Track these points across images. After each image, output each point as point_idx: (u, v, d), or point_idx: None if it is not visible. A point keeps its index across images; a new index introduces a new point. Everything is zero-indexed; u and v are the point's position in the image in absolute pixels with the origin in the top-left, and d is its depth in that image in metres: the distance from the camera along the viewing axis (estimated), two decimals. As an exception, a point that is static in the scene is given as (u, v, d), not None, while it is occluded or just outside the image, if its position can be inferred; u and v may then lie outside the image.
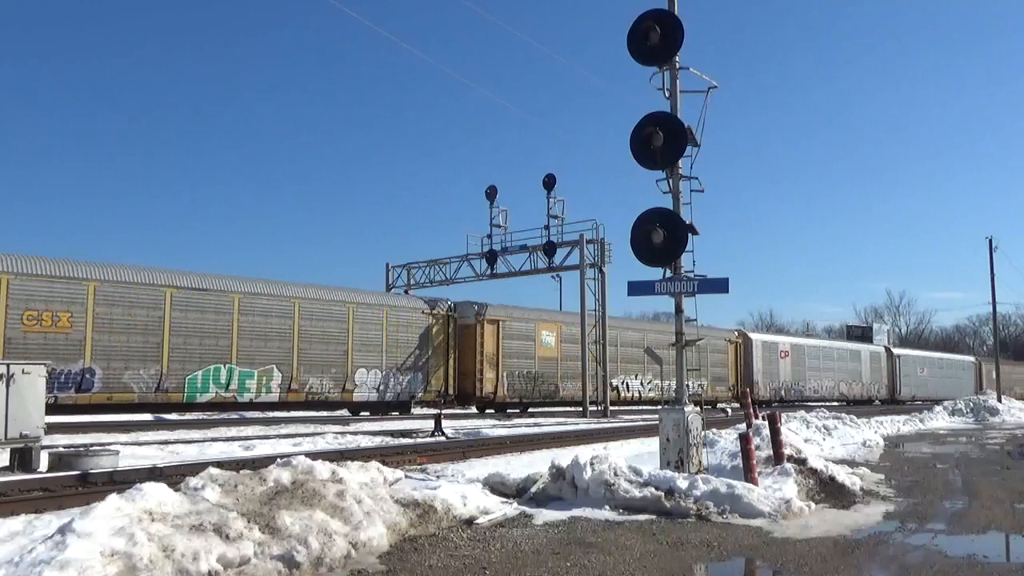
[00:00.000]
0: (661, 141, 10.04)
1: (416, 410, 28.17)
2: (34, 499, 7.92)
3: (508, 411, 30.04)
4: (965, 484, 10.62)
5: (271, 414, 25.76)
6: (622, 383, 35.64)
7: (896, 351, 56.28)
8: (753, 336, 44.16)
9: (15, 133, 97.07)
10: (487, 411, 29.96)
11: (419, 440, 16.33)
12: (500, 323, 30.36)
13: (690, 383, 32.41)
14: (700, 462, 9.65)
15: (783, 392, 44.16)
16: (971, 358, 70.12)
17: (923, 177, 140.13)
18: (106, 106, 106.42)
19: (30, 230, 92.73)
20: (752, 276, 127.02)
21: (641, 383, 36.71)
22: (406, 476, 8.11)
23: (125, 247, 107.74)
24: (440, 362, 28.90)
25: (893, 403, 50.93)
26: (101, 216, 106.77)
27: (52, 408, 16.18)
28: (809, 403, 42.31)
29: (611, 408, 31.37)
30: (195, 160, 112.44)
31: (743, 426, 13.38)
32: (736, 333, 43.62)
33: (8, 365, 9.92)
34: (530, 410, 31.70)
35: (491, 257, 33.88)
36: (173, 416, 23.16)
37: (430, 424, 18.97)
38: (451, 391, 29.15)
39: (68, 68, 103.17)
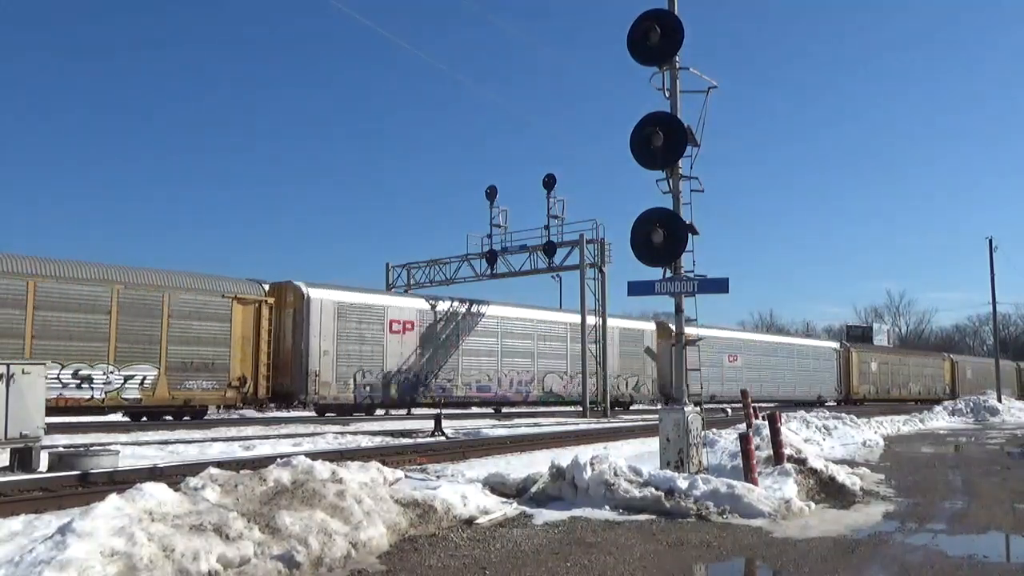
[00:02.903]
0: (661, 141, 10.05)
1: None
2: (34, 499, 7.93)
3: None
4: (965, 484, 10.62)
5: (271, 414, 25.77)
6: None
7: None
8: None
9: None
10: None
11: (419, 440, 16.34)
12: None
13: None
14: (700, 462, 9.65)
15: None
16: (833, 344, 54.69)
17: (923, 177, 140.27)
18: (104, 103, 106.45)
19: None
20: (752, 276, 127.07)
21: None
22: (406, 476, 8.12)
23: (124, 246, 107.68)
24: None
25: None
26: (101, 214, 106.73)
27: None
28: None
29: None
30: (195, 160, 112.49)
31: (743, 426, 13.37)
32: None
33: (8, 365, 9.92)
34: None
35: (491, 257, 33.88)
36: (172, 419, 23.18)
37: (430, 424, 19.02)
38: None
39: (65, 64, 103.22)
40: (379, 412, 28.00)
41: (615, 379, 34.54)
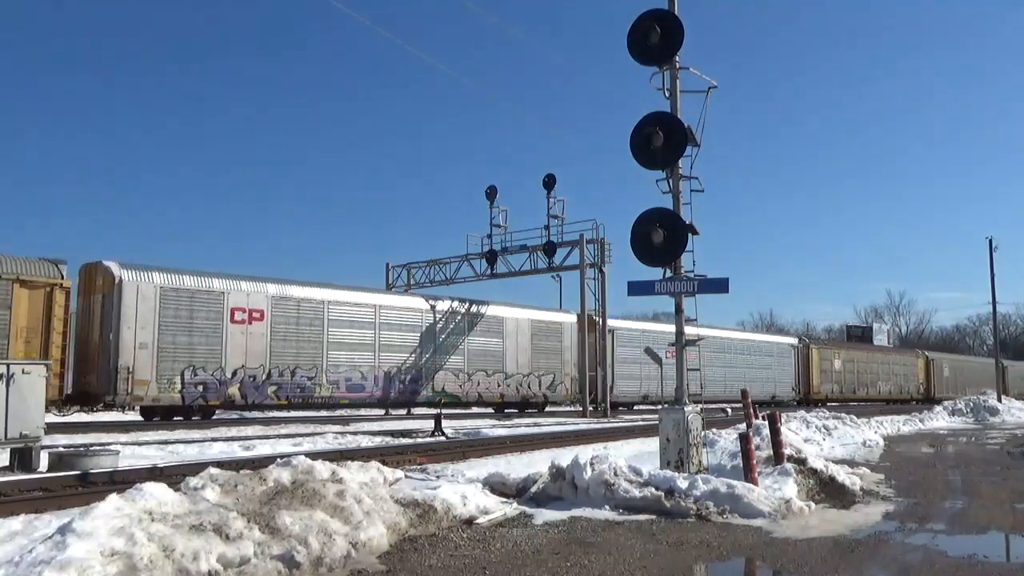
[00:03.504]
0: (661, 141, 10.05)
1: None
2: (34, 499, 7.93)
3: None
4: (965, 484, 10.62)
5: (271, 414, 25.62)
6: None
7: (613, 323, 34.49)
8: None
9: None
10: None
11: (419, 440, 16.34)
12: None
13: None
14: (700, 462, 9.65)
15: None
16: (791, 339, 50.40)
17: (923, 176, 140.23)
18: (101, 99, 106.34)
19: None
20: (752, 276, 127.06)
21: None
22: (406, 476, 8.11)
23: (120, 244, 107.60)
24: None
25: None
26: (100, 212, 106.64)
27: None
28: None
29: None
30: (194, 159, 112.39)
31: (743, 426, 13.37)
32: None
33: (8, 365, 9.92)
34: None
35: (491, 257, 33.89)
36: (155, 419, 23.06)
37: (430, 424, 19.02)
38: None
39: (58, 59, 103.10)
40: (225, 415, 24.37)
41: (524, 377, 31.61)
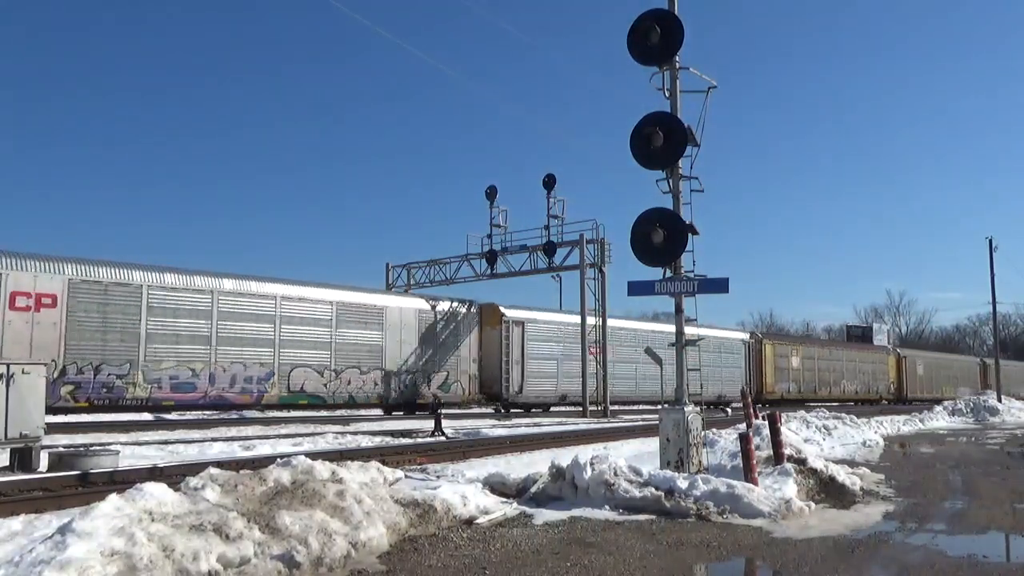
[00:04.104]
0: (661, 141, 10.05)
1: None
2: (34, 499, 7.93)
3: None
4: (965, 484, 10.62)
5: (271, 414, 25.41)
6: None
7: (509, 313, 30.99)
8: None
9: None
10: None
11: (419, 440, 16.34)
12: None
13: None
14: (700, 462, 9.65)
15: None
16: (742, 334, 45.36)
17: (923, 177, 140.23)
18: (100, 97, 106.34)
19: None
20: (752, 276, 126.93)
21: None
22: (406, 476, 8.11)
23: (120, 242, 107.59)
24: None
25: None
26: (96, 211, 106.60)
27: None
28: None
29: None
30: (193, 159, 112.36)
31: (743, 426, 13.37)
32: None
33: (8, 365, 9.92)
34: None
35: (491, 257, 33.89)
36: (173, 416, 23.12)
37: (430, 424, 19.01)
38: None
39: (54, 53, 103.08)
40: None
41: (410, 375, 28.27)
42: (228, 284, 24.17)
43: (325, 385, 25.89)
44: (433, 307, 29.44)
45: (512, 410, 30.56)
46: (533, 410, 31.44)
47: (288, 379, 25.02)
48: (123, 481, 8.68)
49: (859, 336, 66.53)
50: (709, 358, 37.97)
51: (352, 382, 26.62)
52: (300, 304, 25.58)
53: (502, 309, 30.63)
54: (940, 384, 59.23)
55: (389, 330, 27.93)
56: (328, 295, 26.54)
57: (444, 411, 26.85)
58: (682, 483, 7.96)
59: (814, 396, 46.42)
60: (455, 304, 30.26)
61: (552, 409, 32.26)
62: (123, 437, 15.60)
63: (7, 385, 9.74)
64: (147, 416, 22.53)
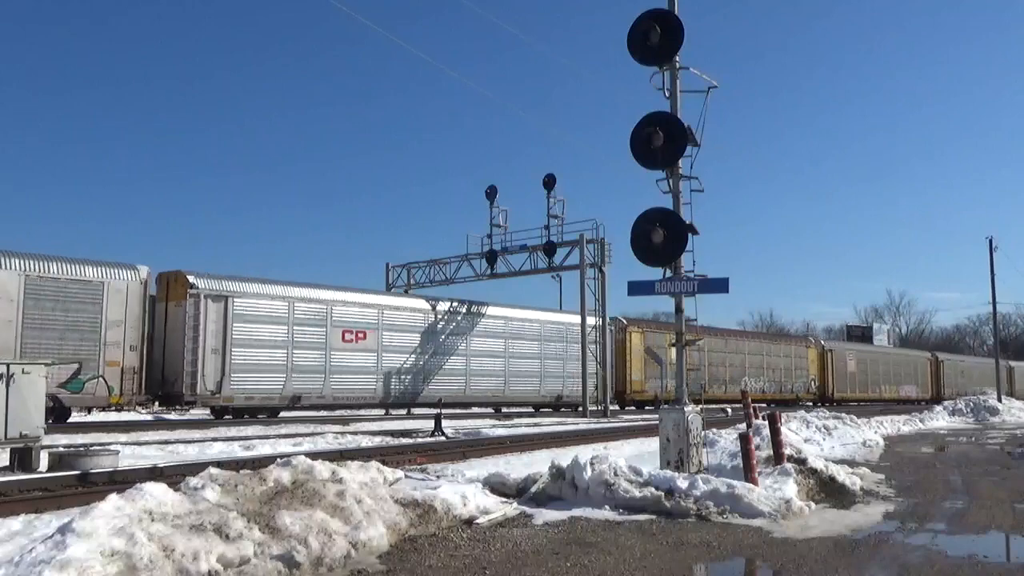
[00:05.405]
0: (661, 141, 10.04)
1: None
2: (34, 499, 7.92)
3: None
4: (965, 484, 10.61)
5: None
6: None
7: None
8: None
9: None
10: None
11: (419, 440, 16.33)
12: None
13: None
14: (700, 462, 9.65)
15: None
16: (595, 319, 32.93)
17: (923, 176, 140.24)
18: (99, 95, 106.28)
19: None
20: (752, 276, 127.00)
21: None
22: (406, 476, 8.11)
23: (119, 241, 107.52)
24: None
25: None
26: (96, 209, 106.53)
27: None
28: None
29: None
30: (192, 159, 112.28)
31: (743, 426, 13.37)
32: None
33: (8, 365, 9.91)
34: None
35: (491, 257, 33.89)
36: (173, 416, 23.12)
37: (430, 424, 19.01)
38: None
39: (52, 47, 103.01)
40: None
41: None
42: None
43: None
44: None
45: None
46: (248, 414, 23.20)
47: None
48: (123, 481, 8.68)
49: (859, 336, 66.34)
50: (550, 348, 32.29)
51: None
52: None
53: (187, 277, 22.50)
54: (880, 383, 53.51)
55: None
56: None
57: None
58: (682, 483, 7.95)
59: (706, 396, 35.43)
60: (86, 266, 20.63)
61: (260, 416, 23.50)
62: (123, 437, 15.59)
63: (7, 385, 9.73)
64: (147, 416, 22.54)
